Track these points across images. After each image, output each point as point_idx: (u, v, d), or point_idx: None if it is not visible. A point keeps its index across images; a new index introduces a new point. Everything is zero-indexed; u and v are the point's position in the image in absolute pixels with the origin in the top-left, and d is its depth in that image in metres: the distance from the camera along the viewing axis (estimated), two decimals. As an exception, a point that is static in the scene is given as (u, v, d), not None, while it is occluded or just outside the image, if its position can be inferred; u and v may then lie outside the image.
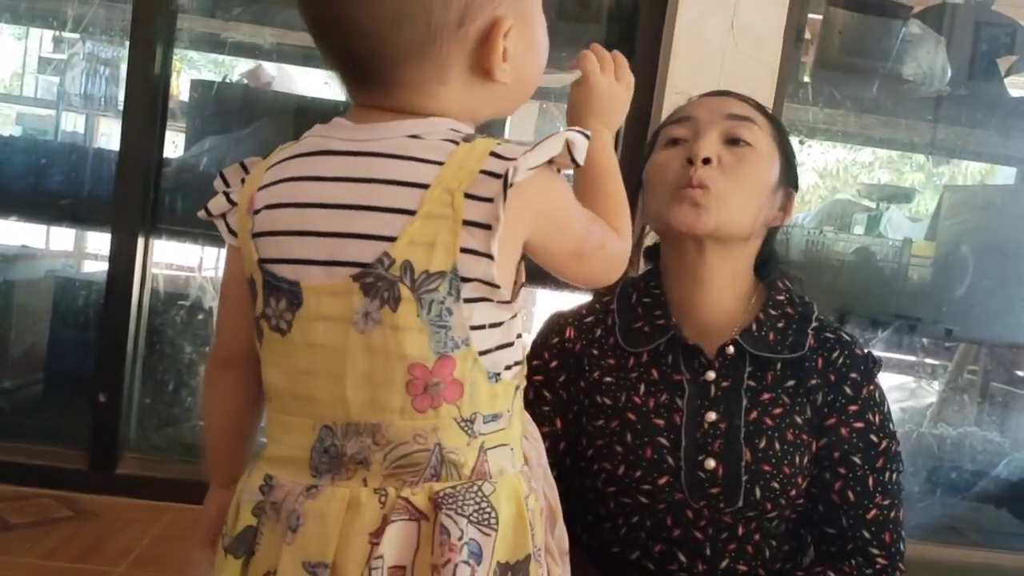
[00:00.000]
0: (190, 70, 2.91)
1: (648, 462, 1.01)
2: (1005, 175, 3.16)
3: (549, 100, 2.54)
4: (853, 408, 1.04)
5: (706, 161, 1.02)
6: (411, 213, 0.66)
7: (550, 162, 0.69)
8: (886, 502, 1.03)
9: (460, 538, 0.66)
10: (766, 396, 1.04)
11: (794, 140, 1.16)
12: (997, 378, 2.87)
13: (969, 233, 2.51)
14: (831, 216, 2.99)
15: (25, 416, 2.26)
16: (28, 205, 2.22)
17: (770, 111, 1.14)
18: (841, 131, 2.55)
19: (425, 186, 0.67)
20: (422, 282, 0.66)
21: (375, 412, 0.68)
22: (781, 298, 1.08)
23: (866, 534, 1.03)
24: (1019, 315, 2.44)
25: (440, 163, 0.67)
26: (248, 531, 0.72)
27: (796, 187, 1.12)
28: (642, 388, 1.05)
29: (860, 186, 3.38)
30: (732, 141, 1.04)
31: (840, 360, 1.06)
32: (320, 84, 2.48)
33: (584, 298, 1.17)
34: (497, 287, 0.68)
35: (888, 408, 1.07)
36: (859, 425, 1.04)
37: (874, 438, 1.04)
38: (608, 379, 1.06)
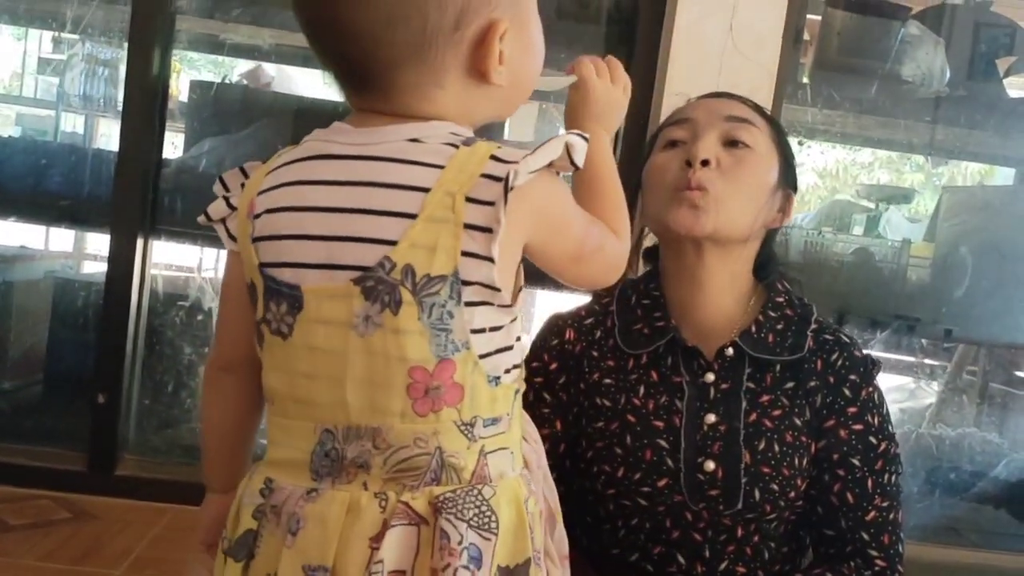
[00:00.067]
0: (189, 71, 2.92)
1: (647, 464, 1.01)
2: (1004, 176, 3.16)
3: (548, 101, 2.55)
4: (852, 410, 1.04)
5: (705, 163, 1.02)
6: (412, 217, 0.66)
7: (549, 165, 0.69)
8: (885, 504, 1.03)
9: (460, 543, 0.66)
10: (765, 398, 1.04)
11: (793, 141, 1.16)
12: (996, 379, 2.87)
13: (968, 234, 2.51)
14: (830, 217, 2.99)
15: (24, 417, 2.26)
16: (27, 206, 2.22)
17: (769, 112, 1.14)
18: (840, 132, 2.55)
19: (426, 190, 0.67)
20: (423, 285, 0.66)
21: (375, 416, 0.68)
22: (780, 300, 1.08)
23: (865, 536, 1.03)
24: (1018, 316, 2.44)
25: (441, 167, 0.67)
26: (248, 534, 0.72)
27: (795, 188, 1.12)
28: (641, 390, 1.05)
29: (859, 187, 3.38)
30: (731, 143, 1.04)
31: (839, 362, 1.06)
32: (319, 85, 2.48)
33: (583, 300, 1.17)
34: (498, 290, 0.68)
35: (887, 410, 1.07)
36: (858, 427, 1.04)
37: (873, 440, 1.04)
38: (608, 381, 1.06)
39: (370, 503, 0.68)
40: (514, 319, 0.73)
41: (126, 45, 1.98)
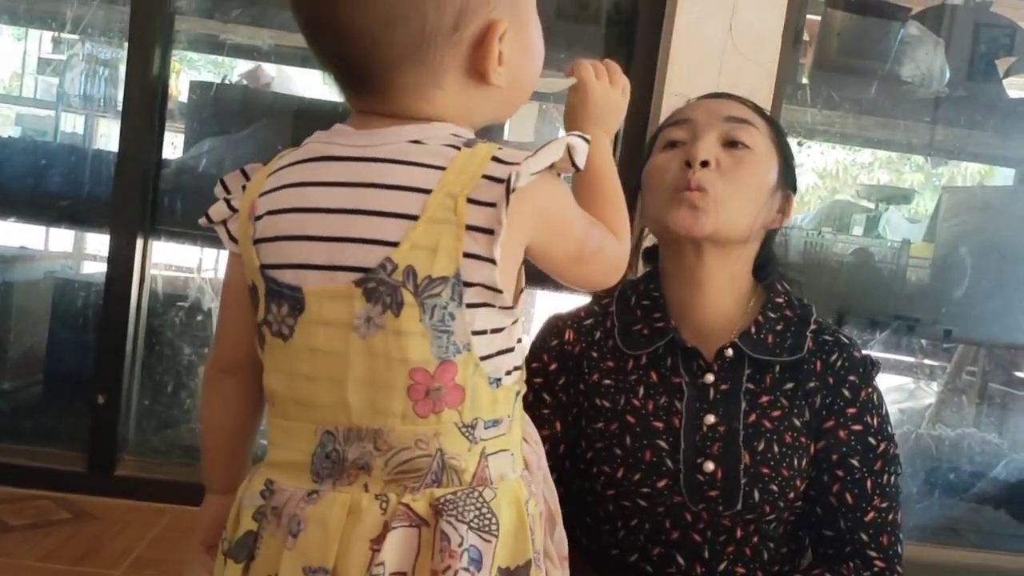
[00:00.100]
0: (189, 71, 2.92)
1: (647, 465, 1.01)
2: (1004, 176, 3.16)
3: (548, 102, 2.55)
4: (851, 411, 1.05)
5: (704, 164, 1.02)
6: (414, 218, 0.66)
7: (551, 166, 0.69)
8: (884, 504, 1.03)
9: (460, 544, 0.66)
10: (765, 399, 1.04)
11: (792, 142, 1.16)
12: (995, 379, 2.87)
13: (968, 234, 2.51)
14: (830, 217, 2.99)
15: (24, 418, 2.26)
16: (27, 206, 2.22)
17: (768, 113, 1.14)
18: (840, 132, 2.55)
19: (427, 191, 0.67)
20: (425, 287, 0.66)
21: (376, 417, 0.68)
22: (780, 300, 1.08)
23: (864, 536, 1.03)
24: (1017, 316, 2.44)
25: (442, 168, 0.67)
26: (248, 536, 0.72)
27: (794, 189, 1.12)
28: (641, 391, 1.05)
29: (859, 187, 3.38)
30: (730, 144, 1.04)
31: (838, 363, 1.06)
32: (319, 85, 2.48)
33: (583, 300, 1.17)
34: (499, 292, 0.68)
35: (886, 411, 1.07)
36: (857, 428, 1.04)
37: (872, 441, 1.04)
38: (607, 382, 1.06)
39: (371, 505, 0.68)
40: (515, 321, 0.73)
41: (126, 45, 1.98)
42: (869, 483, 1.03)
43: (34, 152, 2.30)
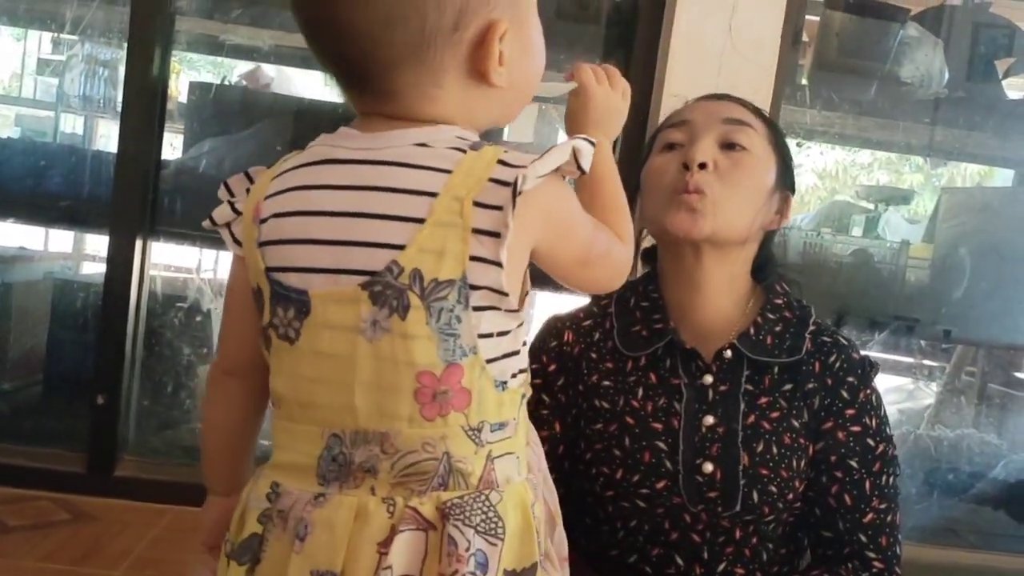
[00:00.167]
0: (189, 72, 2.92)
1: (646, 466, 1.02)
2: (1003, 177, 3.16)
3: (548, 103, 2.54)
4: (850, 412, 1.05)
5: (702, 166, 1.02)
6: (420, 221, 0.66)
7: (556, 169, 0.69)
8: (883, 506, 1.04)
9: (467, 549, 0.66)
10: (763, 400, 1.04)
11: (792, 142, 1.17)
12: (995, 380, 2.87)
13: (967, 235, 2.51)
14: (829, 218, 2.99)
15: (23, 418, 2.26)
16: (26, 207, 2.21)
17: (767, 114, 1.14)
18: (839, 133, 2.55)
19: (433, 194, 0.67)
20: (431, 290, 0.66)
21: (383, 420, 0.68)
22: (779, 302, 1.09)
23: (863, 538, 1.03)
24: (1017, 317, 2.44)
25: (448, 171, 0.67)
26: (253, 538, 0.72)
27: (793, 190, 1.12)
28: (640, 392, 1.05)
29: (859, 188, 3.38)
30: (728, 145, 1.05)
31: (837, 364, 1.06)
32: (319, 86, 2.48)
33: (582, 301, 1.17)
34: (506, 295, 0.68)
35: (885, 412, 1.08)
36: (856, 429, 1.04)
37: (871, 442, 1.04)
38: (606, 383, 1.06)
39: (378, 508, 0.68)
40: (521, 324, 0.73)
41: (125, 46, 1.98)
42: (868, 484, 1.03)
43: (33, 153, 2.30)
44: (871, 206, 3.05)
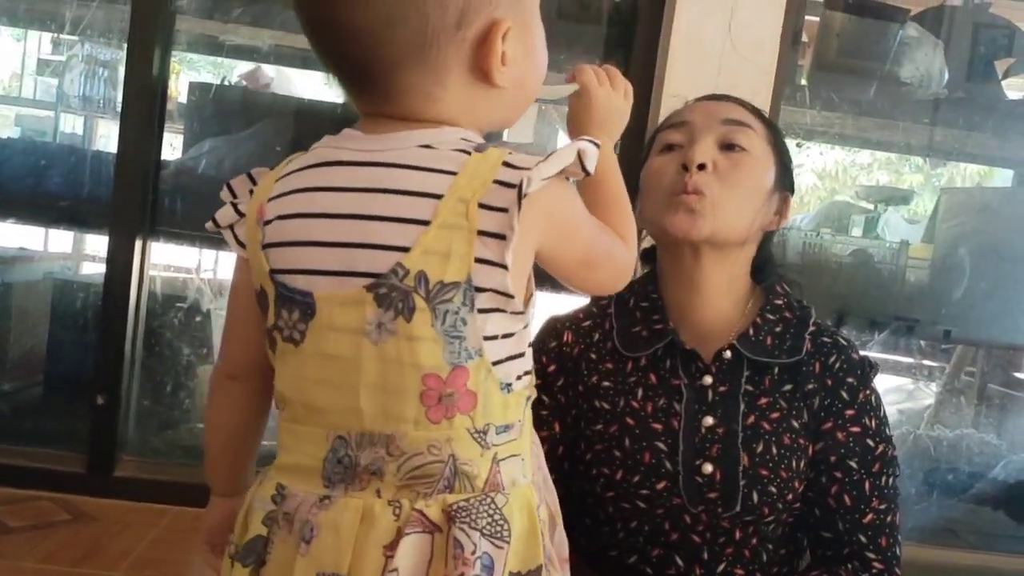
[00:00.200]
0: (189, 72, 2.92)
1: (646, 467, 1.02)
2: (1003, 177, 3.16)
3: (548, 103, 2.54)
4: (849, 412, 1.05)
5: (701, 167, 1.03)
6: (425, 223, 0.66)
7: (561, 171, 0.69)
8: (882, 506, 1.04)
9: (473, 552, 0.66)
10: (763, 400, 1.04)
11: (791, 143, 1.17)
12: (994, 380, 2.87)
13: (967, 235, 2.51)
14: (829, 218, 2.99)
15: (23, 419, 2.26)
16: (26, 207, 2.21)
17: (766, 115, 1.14)
18: (839, 134, 2.55)
19: (439, 196, 0.66)
20: (437, 292, 0.66)
21: (389, 423, 0.68)
22: (779, 302, 1.09)
23: (862, 538, 1.03)
24: (1016, 317, 2.44)
25: (453, 173, 0.67)
26: (258, 540, 0.72)
27: (792, 191, 1.12)
28: (640, 392, 1.05)
29: (858, 188, 3.38)
30: (727, 146, 1.05)
31: (837, 364, 1.06)
32: (319, 86, 2.48)
33: (581, 302, 1.17)
34: (511, 297, 0.68)
35: (884, 412, 1.08)
36: (855, 429, 1.04)
37: (870, 442, 1.04)
38: (606, 383, 1.06)
39: (384, 511, 0.68)
40: (526, 326, 0.73)
41: (125, 46, 1.98)
42: (867, 485, 1.03)
43: (33, 153, 2.30)
44: (871, 206, 3.05)
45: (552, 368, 1.09)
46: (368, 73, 0.71)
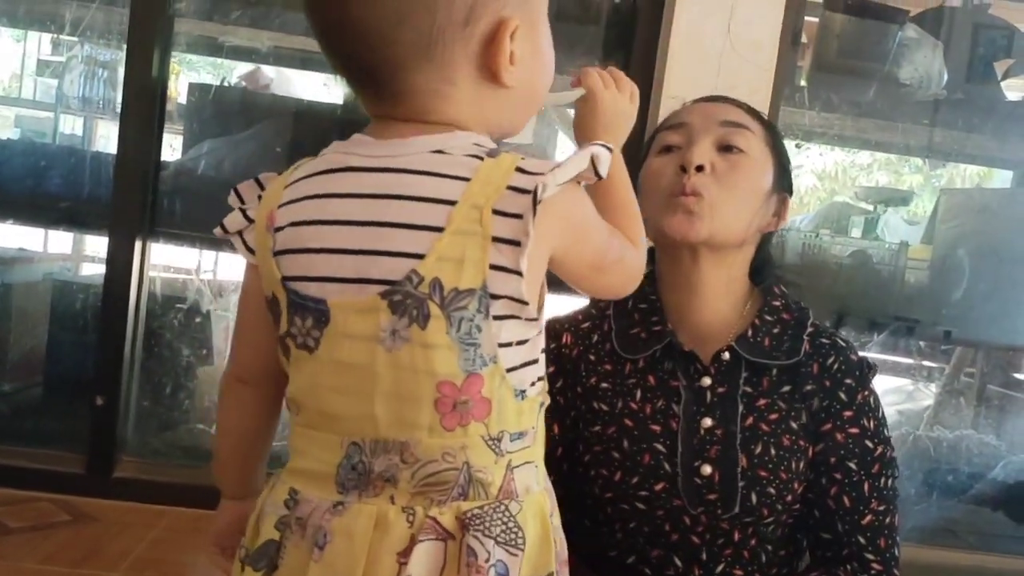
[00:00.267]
0: (188, 73, 2.92)
1: (645, 468, 1.02)
2: (1002, 178, 3.17)
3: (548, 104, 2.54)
4: (848, 413, 1.05)
5: (699, 169, 1.03)
6: (439, 230, 0.66)
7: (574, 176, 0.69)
8: (881, 507, 1.04)
9: (487, 560, 0.66)
10: (762, 402, 1.04)
11: (791, 144, 1.17)
12: (994, 381, 2.87)
13: (966, 236, 2.51)
14: (828, 219, 2.99)
15: (23, 419, 2.26)
16: (26, 208, 2.22)
17: (765, 116, 1.14)
18: (838, 134, 2.55)
19: (452, 202, 0.66)
20: (452, 299, 0.66)
21: (403, 430, 0.68)
22: (777, 304, 1.09)
23: (861, 539, 1.03)
24: (1016, 318, 2.44)
25: (466, 179, 0.67)
26: (270, 545, 0.72)
27: (790, 192, 1.12)
28: (639, 394, 1.05)
29: (858, 189, 3.38)
30: (725, 148, 1.05)
31: (835, 366, 1.06)
32: (318, 88, 2.48)
33: (580, 303, 1.17)
34: (526, 304, 0.68)
35: (883, 413, 1.08)
36: (854, 431, 1.04)
37: (869, 443, 1.04)
38: (605, 385, 1.06)
39: (398, 517, 0.67)
40: (539, 332, 0.72)
41: (125, 47, 1.98)
42: (866, 486, 1.03)
43: (33, 154, 2.30)
44: (870, 207, 3.05)
45: (551, 369, 1.09)
46: (377, 74, 0.70)
